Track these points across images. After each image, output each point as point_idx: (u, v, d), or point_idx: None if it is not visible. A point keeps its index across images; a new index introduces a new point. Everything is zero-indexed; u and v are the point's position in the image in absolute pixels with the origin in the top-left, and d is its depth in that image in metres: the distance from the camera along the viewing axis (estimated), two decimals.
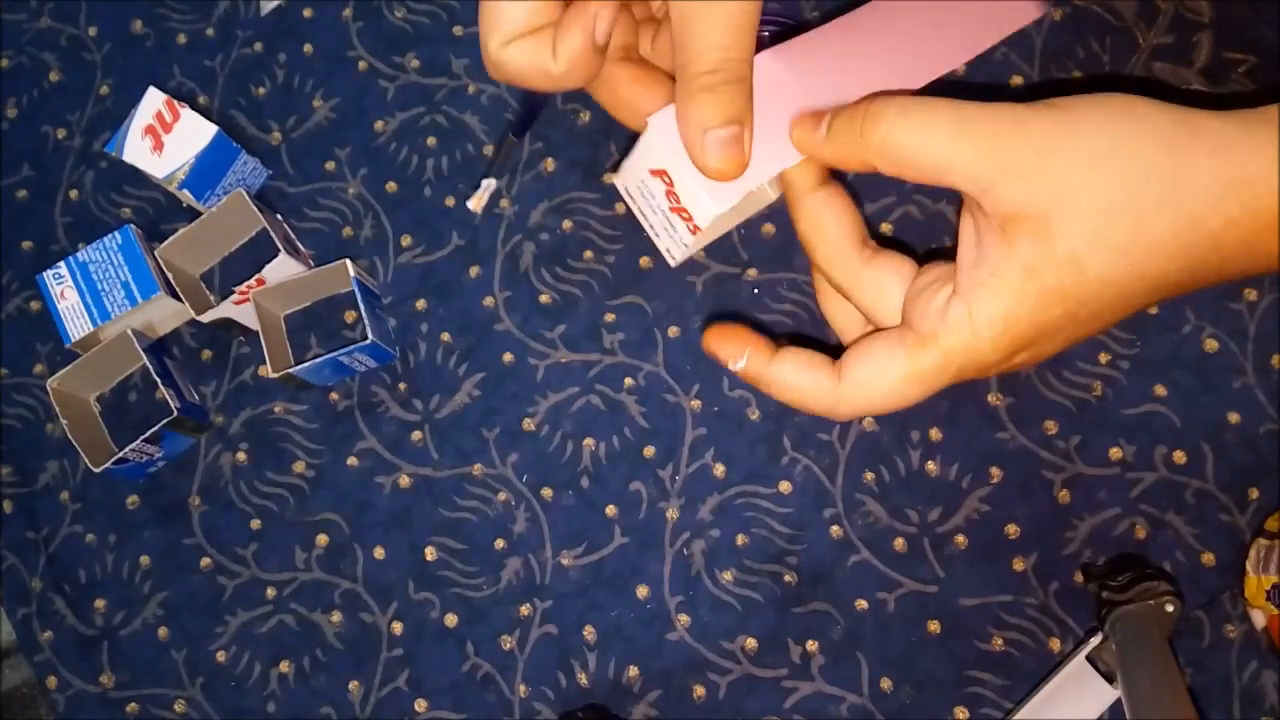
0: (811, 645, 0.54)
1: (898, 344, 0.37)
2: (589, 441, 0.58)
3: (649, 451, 0.57)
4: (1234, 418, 0.54)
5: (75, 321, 0.60)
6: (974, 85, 0.59)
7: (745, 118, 0.36)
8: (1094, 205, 0.33)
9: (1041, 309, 0.34)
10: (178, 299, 0.60)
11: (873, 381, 0.37)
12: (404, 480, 0.59)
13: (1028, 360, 0.37)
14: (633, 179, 0.39)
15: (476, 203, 0.45)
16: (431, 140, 0.63)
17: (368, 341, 0.57)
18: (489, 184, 0.44)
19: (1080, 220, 0.33)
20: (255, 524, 0.59)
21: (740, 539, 0.56)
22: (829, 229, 0.39)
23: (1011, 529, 0.54)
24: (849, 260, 0.39)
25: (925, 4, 0.40)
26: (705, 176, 0.36)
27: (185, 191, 0.60)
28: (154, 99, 0.60)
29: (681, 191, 0.38)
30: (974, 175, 0.34)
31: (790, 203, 0.39)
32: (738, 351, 0.39)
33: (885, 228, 0.58)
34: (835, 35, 0.40)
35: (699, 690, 0.54)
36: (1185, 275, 0.34)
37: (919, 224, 0.58)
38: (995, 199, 0.34)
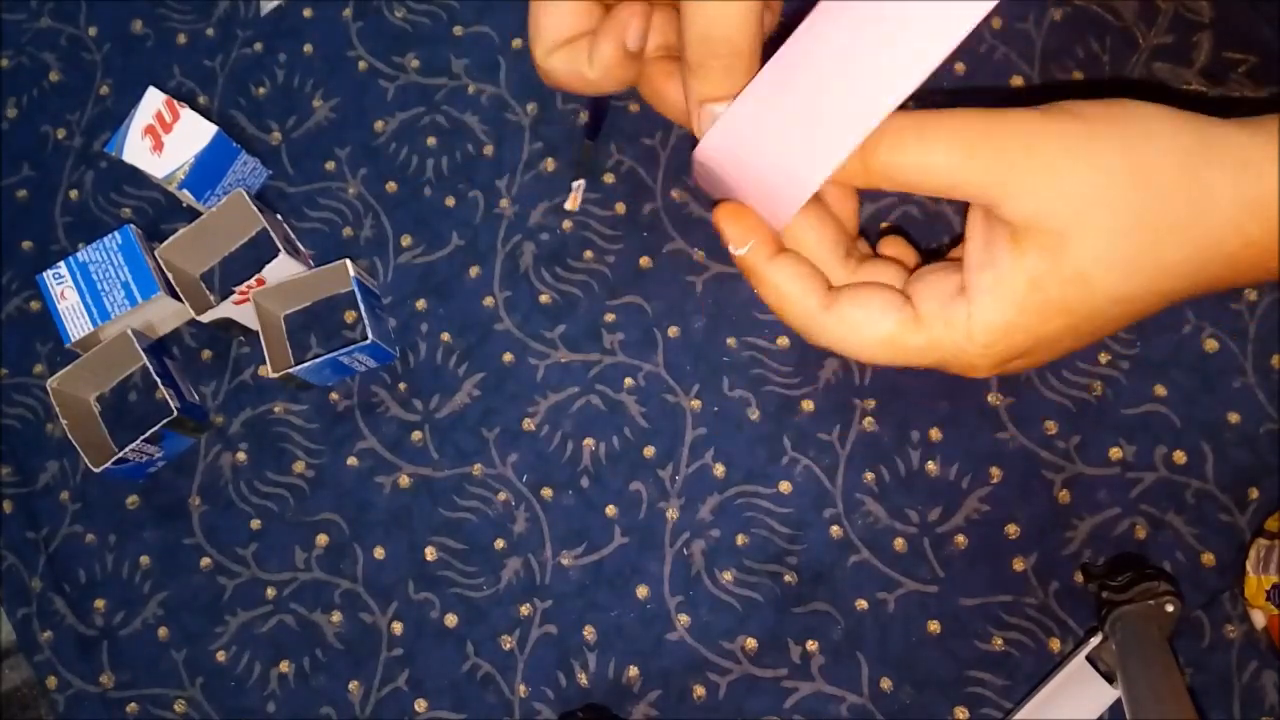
0: (811, 645, 0.54)
1: (894, 310, 0.36)
2: (589, 441, 0.58)
3: (649, 451, 0.57)
4: (1234, 418, 0.54)
5: (75, 321, 0.60)
6: (974, 85, 0.59)
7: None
8: (1110, 225, 0.32)
9: (1042, 322, 0.34)
10: (178, 299, 0.60)
11: (856, 327, 0.37)
12: (404, 480, 0.59)
13: (1022, 367, 0.37)
14: (711, 180, 0.40)
15: (572, 202, 0.46)
16: (431, 140, 0.63)
17: (368, 341, 0.57)
18: (579, 184, 0.45)
19: (1094, 238, 0.33)
20: (255, 524, 0.59)
21: (740, 539, 0.56)
22: (788, 299, 0.38)
23: (1011, 529, 0.54)
24: (815, 318, 0.38)
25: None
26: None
27: (185, 191, 0.60)
28: (154, 99, 0.60)
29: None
30: (983, 192, 0.34)
31: (750, 280, 0.39)
32: (743, 237, 0.39)
33: (884, 226, 0.58)
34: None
35: (699, 690, 0.54)
36: (1195, 289, 0.34)
37: (919, 223, 0.58)
38: (1009, 209, 0.33)
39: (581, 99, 0.62)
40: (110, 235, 0.61)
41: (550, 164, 0.61)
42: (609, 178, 0.61)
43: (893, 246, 0.42)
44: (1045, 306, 0.34)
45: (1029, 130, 0.33)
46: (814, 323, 0.38)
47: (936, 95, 0.59)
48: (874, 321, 0.36)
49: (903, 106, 0.36)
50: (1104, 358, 0.55)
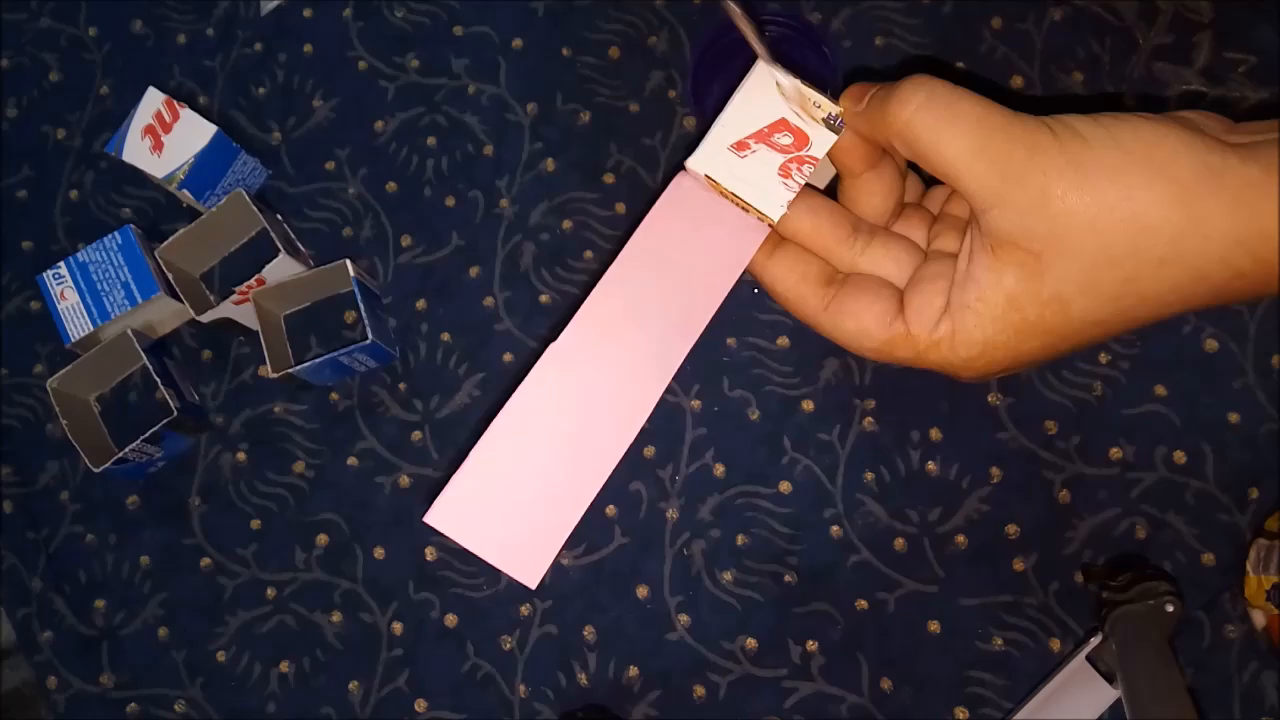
0: (811, 645, 0.54)
1: (885, 324, 0.37)
2: None
3: (649, 451, 0.57)
4: (1234, 418, 0.54)
5: (75, 321, 0.60)
6: (976, 85, 0.59)
7: None
8: (1090, 255, 0.32)
9: (1020, 340, 0.34)
10: (178, 299, 0.60)
11: (851, 333, 0.37)
12: (404, 480, 0.59)
13: (1006, 372, 0.37)
14: (720, 153, 0.39)
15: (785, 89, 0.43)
16: (431, 140, 0.63)
17: (368, 341, 0.57)
18: (788, 81, 0.42)
19: (1072, 265, 0.33)
20: (255, 524, 0.59)
21: (740, 539, 0.56)
22: (786, 300, 0.39)
23: (1011, 529, 0.54)
24: (814, 320, 0.38)
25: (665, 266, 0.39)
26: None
27: (185, 191, 0.60)
28: (154, 99, 0.60)
29: (803, 127, 0.37)
30: (977, 191, 0.34)
31: (757, 278, 0.39)
32: None
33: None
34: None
35: (699, 690, 0.54)
36: (1176, 313, 0.34)
37: None
38: (992, 221, 0.34)
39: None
40: (110, 235, 0.61)
41: (550, 164, 0.61)
42: (609, 178, 0.61)
43: (907, 222, 0.41)
44: (1023, 326, 0.34)
45: (1034, 144, 0.33)
46: (811, 320, 0.39)
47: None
48: (866, 334, 0.37)
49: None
50: (1104, 358, 0.55)
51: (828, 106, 0.37)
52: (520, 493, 0.37)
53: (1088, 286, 0.33)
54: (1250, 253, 0.31)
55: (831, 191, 0.40)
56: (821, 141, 0.37)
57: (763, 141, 0.37)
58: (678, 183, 0.38)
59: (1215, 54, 0.58)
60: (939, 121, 0.34)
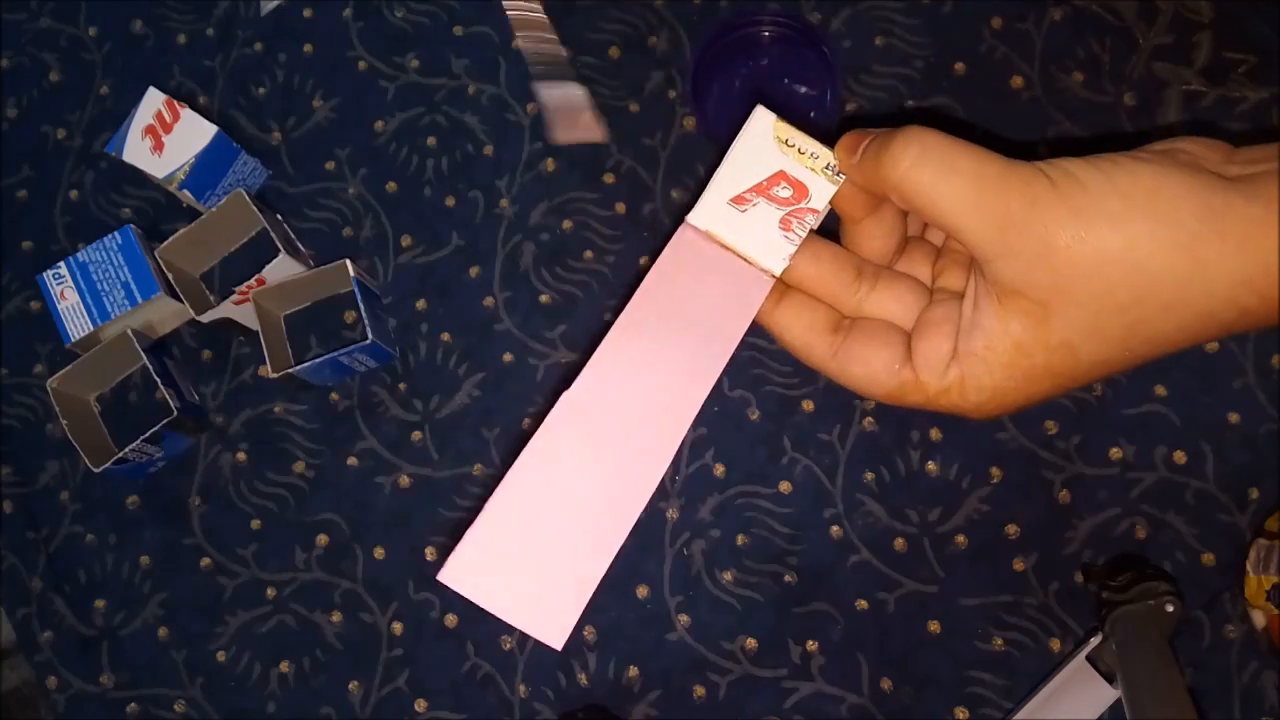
0: (811, 645, 0.54)
1: (893, 371, 0.37)
2: None
3: None
4: (1234, 418, 0.54)
5: (75, 321, 0.60)
6: (976, 85, 0.59)
7: None
8: (1096, 302, 0.33)
9: (1029, 384, 0.35)
10: (178, 299, 0.60)
11: (860, 380, 0.37)
12: (404, 480, 0.59)
13: (1015, 412, 0.38)
14: (720, 209, 0.39)
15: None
16: (431, 140, 0.63)
17: (368, 341, 0.57)
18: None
19: (1078, 313, 0.33)
20: (255, 524, 0.59)
21: (740, 539, 0.56)
22: (795, 349, 0.39)
23: (1011, 529, 0.54)
24: (823, 367, 0.38)
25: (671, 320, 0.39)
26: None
27: (185, 191, 0.60)
28: (154, 99, 0.60)
29: (801, 179, 0.37)
30: (978, 244, 0.34)
31: (764, 327, 0.39)
32: None
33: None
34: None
35: (699, 690, 0.54)
36: (1183, 349, 0.34)
37: None
38: (995, 272, 0.34)
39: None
40: (110, 235, 0.61)
41: (550, 164, 0.61)
42: (609, 178, 0.61)
43: (910, 259, 0.41)
44: (1032, 371, 0.35)
45: (1033, 195, 0.33)
46: (821, 370, 0.39)
47: (938, 95, 0.59)
48: (876, 381, 0.37)
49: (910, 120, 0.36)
50: None
51: (825, 156, 0.37)
52: (540, 547, 0.35)
53: (1094, 332, 0.33)
54: (1256, 291, 0.32)
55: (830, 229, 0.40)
56: (821, 193, 0.37)
57: (762, 195, 0.37)
58: (681, 234, 0.38)
59: (1215, 54, 0.58)
60: (934, 176, 0.34)
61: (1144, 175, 0.33)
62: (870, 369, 0.37)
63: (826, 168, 0.37)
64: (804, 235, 0.37)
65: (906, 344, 0.37)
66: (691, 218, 0.37)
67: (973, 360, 0.35)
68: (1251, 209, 0.31)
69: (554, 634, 0.34)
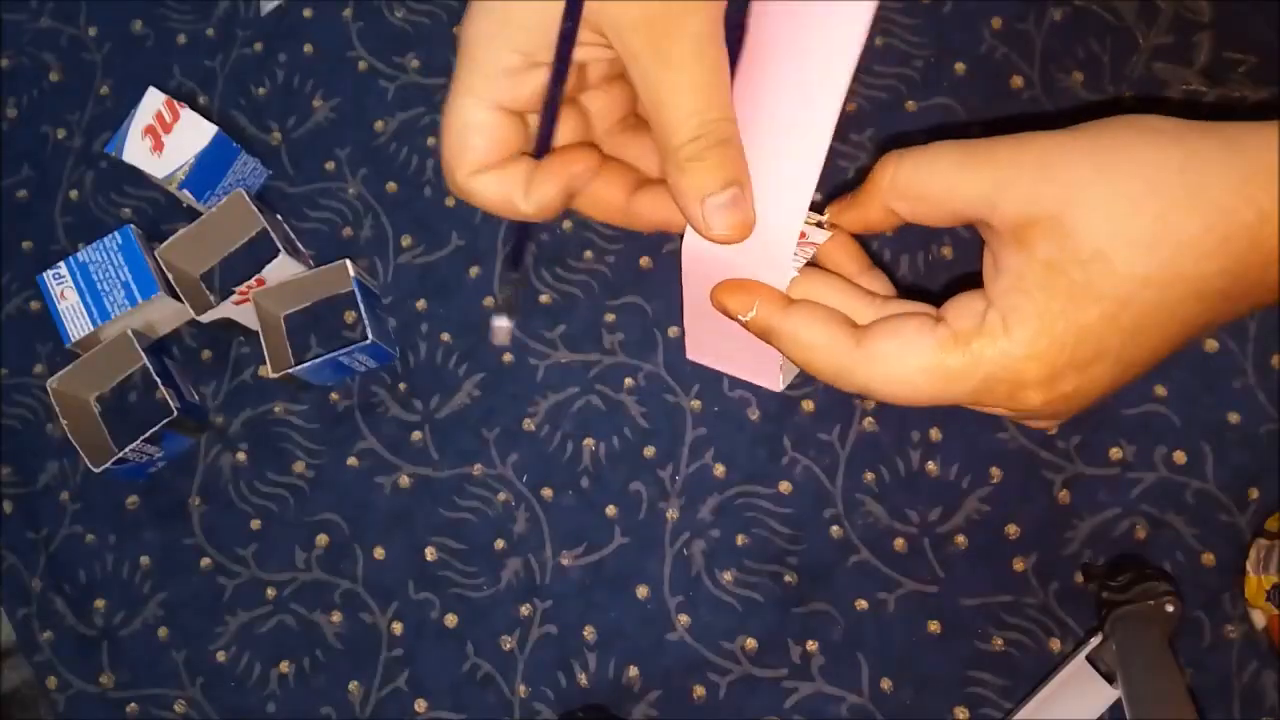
0: (811, 645, 0.54)
1: (930, 332, 0.34)
2: (589, 441, 0.58)
3: (649, 451, 0.57)
4: (1234, 418, 0.54)
5: (75, 321, 0.60)
6: (976, 85, 0.59)
7: (741, 176, 0.34)
8: (1109, 200, 0.32)
9: (1075, 308, 0.32)
10: (178, 299, 0.60)
11: (894, 358, 0.34)
12: (404, 480, 0.59)
13: (1080, 386, 0.34)
14: (704, 337, 0.41)
15: (502, 337, 0.43)
16: (431, 140, 0.63)
17: (368, 341, 0.57)
18: (502, 325, 0.42)
19: (1096, 214, 0.32)
20: (255, 524, 0.59)
21: (740, 539, 0.56)
22: (813, 345, 0.36)
23: (1011, 529, 0.54)
24: (847, 357, 0.36)
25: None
26: (713, 243, 0.35)
27: (185, 191, 0.60)
28: (154, 99, 0.60)
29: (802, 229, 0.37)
30: (980, 193, 0.34)
31: (770, 341, 0.37)
32: (746, 303, 0.37)
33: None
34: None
35: (699, 690, 0.54)
36: (1229, 280, 0.32)
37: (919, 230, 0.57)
38: (1003, 212, 0.33)
39: None
40: (110, 235, 0.61)
41: None
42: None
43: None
44: (1072, 289, 0.32)
45: (1018, 142, 0.34)
46: (846, 362, 0.35)
47: (938, 95, 0.59)
48: (912, 348, 0.34)
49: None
50: None
51: (814, 218, 0.39)
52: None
53: (1119, 234, 0.32)
54: (1265, 190, 0.31)
55: None
56: (817, 235, 0.39)
57: None
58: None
59: (1215, 54, 0.58)
60: (921, 161, 0.35)
61: (1124, 117, 0.34)
62: (903, 338, 0.34)
63: (819, 224, 0.39)
64: (808, 257, 0.38)
65: (932, 320, 0.35)
66: (687, 240, 0.37)
67: (1007, 296, 0.33)
68: (1227, 126, 0.32)
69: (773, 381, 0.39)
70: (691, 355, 0.44)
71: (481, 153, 0.35)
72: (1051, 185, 0.33)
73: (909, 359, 0.34)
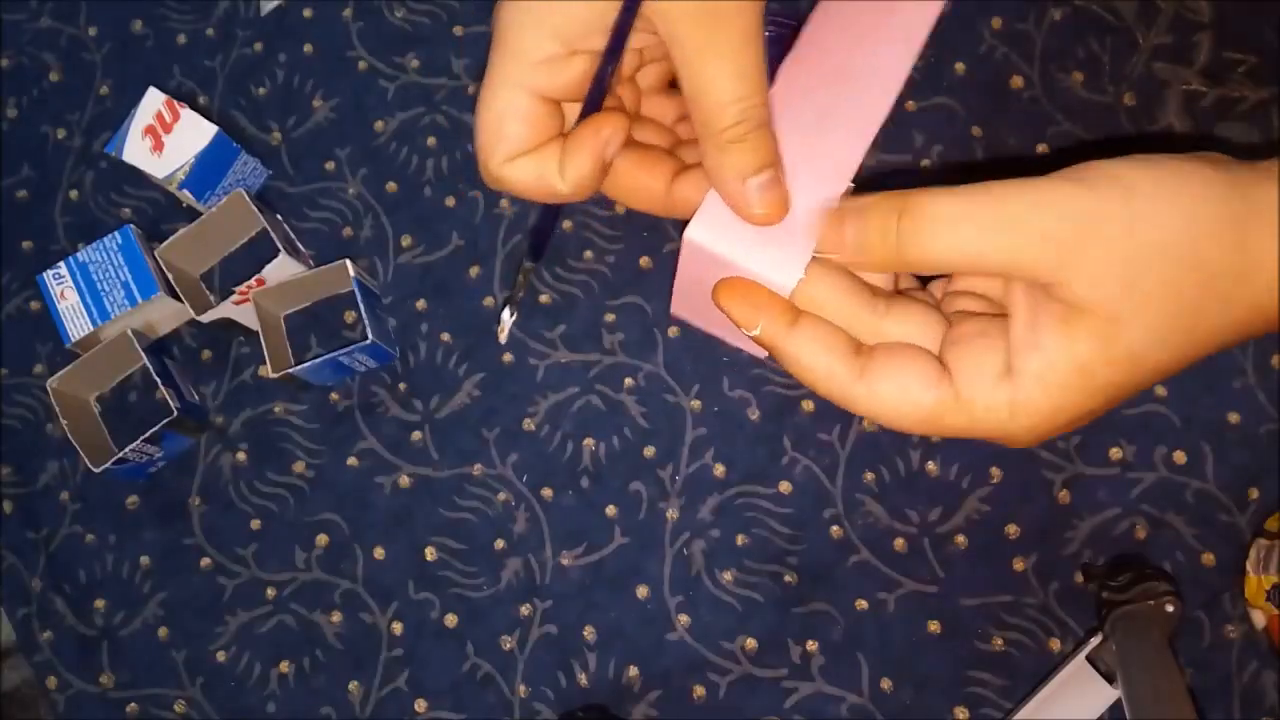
0: (811, 645, 0.54)
1: (932, 386, 0.34)
2: (589, 441, 0.58)
3: (649, 451, 0.57)
4: (1234, 418, 0.54)
5: (75, 321, 0.60)
6: (976, 85, 0.59)
7: (777, 160, 0.36)
8: (1161, 306, 0.32)
9: (1086, 400, 0.33)
10: (178, 299, 0.60)
11: (892, 402, 0.35)
12: (404, 480, 0.59)
13: (1066, 429, 0.36)
14: (694, 305, 0.39)
15: (504, 335, 0.44)
16: (431, 140, 0.63)
17: (368, 341, 0.57)
18: (508, 318, 0.42)
19: (1149, 322, 0.32)
20: (255, 524, 0.59)
21: (740, 539, 0.56)
22: (814, 373, 0.36)
23: (1011, 529, 0.54)
24: (847, 391, 0.36)
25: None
26: (753, 224, 0.36)
27: (185, 191, 0.60)
28: (154, 99, 0.60)
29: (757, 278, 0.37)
30: (1037, 273, 0.32)
31: (769, 352, 0.37)
32: (752, 316, 0.36)
33: None
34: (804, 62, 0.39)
35: (699, 690, 0.54)
36: (1227, 346, 0.34)
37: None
38: (1063, 291, 0.32)
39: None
40: (110, 235, 0.61)
41: None
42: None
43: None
44: (1093, 390, 0.33)
45: (1080, 211, 0.32)
46: (846, 395, 0.36)
47: (938, 95, 0.59)
48: (910, 398, 0.34)
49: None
50: None
51: None
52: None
53: (1160, 341, 0.32)
54: None
55: None
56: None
57: None
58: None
59: (1215, 54, 0.58)
60: (965, 234, 0.33)
61: (1180, 168, 0.32)
62: (903, 383, 0.34)
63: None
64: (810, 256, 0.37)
65: (936, 364, 0.35)
66: (690, 231, 0.37)
67: (1029, 381, 0.33)
68: (1273, 192, 0.31)
69: (787, 277, 0.36)
70: (675, 312, 0.44)
71: (518, 141, 0.36)
72: (1116, 283, 0.32)
73: (907, 409, 0.35)
